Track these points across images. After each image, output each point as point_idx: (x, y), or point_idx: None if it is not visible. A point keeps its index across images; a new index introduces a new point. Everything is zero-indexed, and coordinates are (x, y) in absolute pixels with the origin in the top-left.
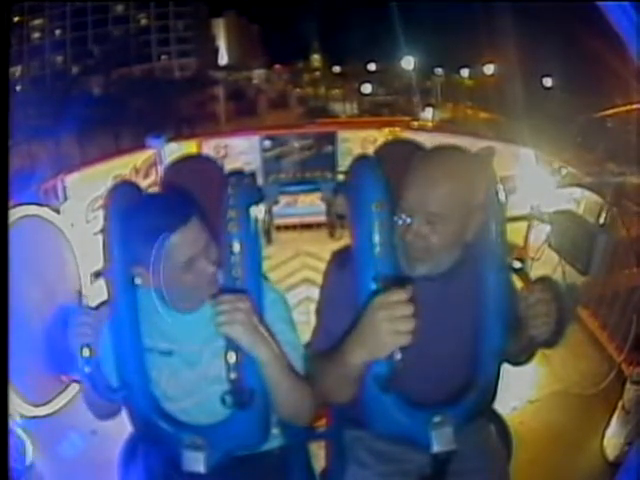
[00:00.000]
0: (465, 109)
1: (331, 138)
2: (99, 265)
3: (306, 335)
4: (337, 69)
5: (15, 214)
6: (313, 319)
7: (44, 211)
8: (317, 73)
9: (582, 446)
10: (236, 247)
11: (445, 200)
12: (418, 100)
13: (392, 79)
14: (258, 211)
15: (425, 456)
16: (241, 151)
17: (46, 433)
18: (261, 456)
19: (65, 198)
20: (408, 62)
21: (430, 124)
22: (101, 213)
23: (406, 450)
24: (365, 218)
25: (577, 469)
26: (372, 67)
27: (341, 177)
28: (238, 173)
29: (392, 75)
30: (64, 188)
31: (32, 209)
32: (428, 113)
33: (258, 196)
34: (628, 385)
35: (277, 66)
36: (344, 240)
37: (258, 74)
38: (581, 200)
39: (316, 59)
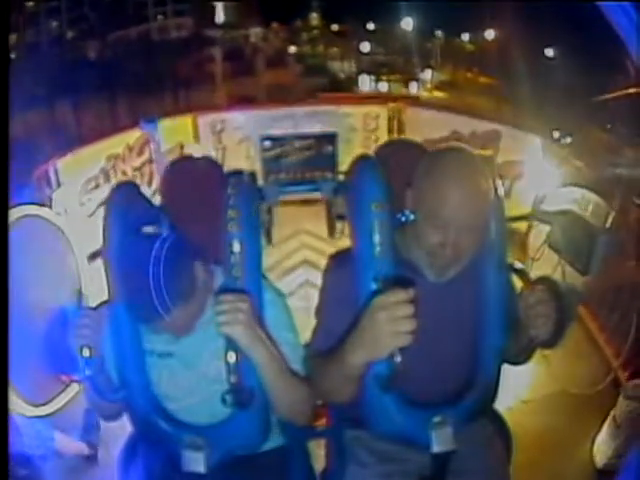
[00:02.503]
0: (465, 72)
1: (331, 138)
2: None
3: (305, 322)
4: (336, 28)
5: (15, 214)
6: (313, 304)
7: (44, 211)
8: (315, 32)
9: (572, 450)
10: (236, 247)
11: (473, 207)
12: (417, 61)
13: (391, 39)
14: (258, 211)
15: (425, 456)
16: (238, 126)
17: (46, 433)
18: (261, 456)
19: (58, 184)
20: (407, 23)
21: (434, 96)
22: (95, 195)
23: (406, 450)
24: (365, 218)
25: (565, 473)
26: (371, 27)
27: (341, 177)
28: (238, 173)
29: (391, 35)
30: (56, 172)
31: (32, 209)
32: (427, 74)
33: (258, 196)
34: (621, 398)
35: (275, 24)
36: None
37: (255, 33)
38: (582, 200)
39: (314, 17)
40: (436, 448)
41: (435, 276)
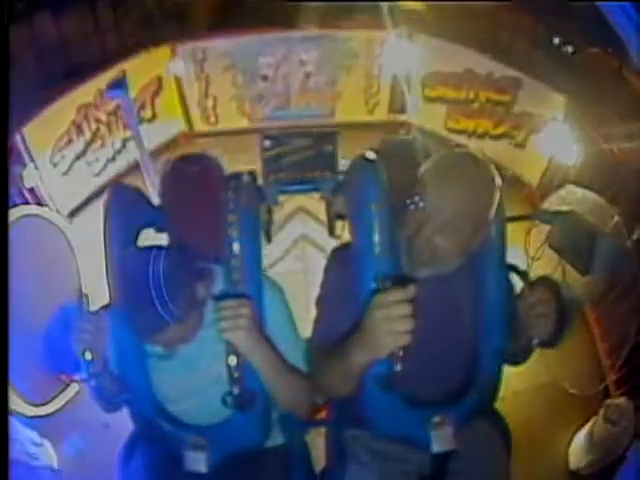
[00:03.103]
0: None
1: (331, 138)
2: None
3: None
4: None
5: (15, 214)
6: (310, 266)
7: (44, 211)
8: None
9: (549, 445)
10: (236, 250)
11: (460, 210)
12: None
13: None
14: (258, 213)
15: (424, 455)
16: (221, 53)
17: (47, 433)
18: (261, 455)
19: (30, 157)
20: None
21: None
22: (68, 151)
23: (405, 449)
24: (365, 218)
25: (539, 467)
26: None
27: (341, 177)
28: (238, 175)
29: None
30: (24, 141)
31: (32, 209)
32: None
33: (258, 197)
34: (601, 419)
35: None
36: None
37: None
38: (583, 200)
39: None
40: (436, 448)
41: (408, 268)
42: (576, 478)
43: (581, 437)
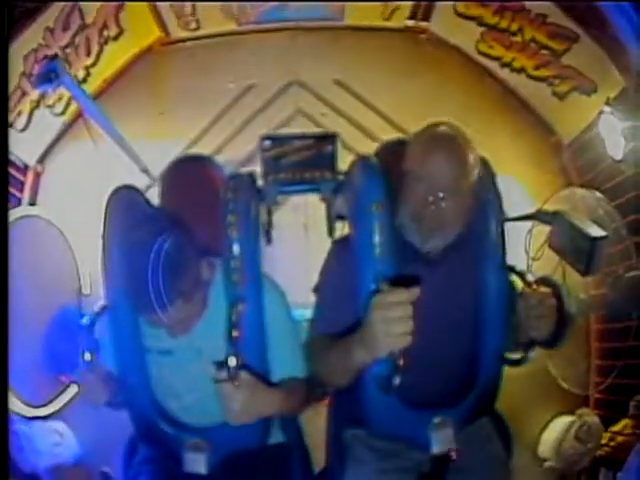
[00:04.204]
0: None
1: (331, 138)
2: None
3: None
4: None
5: (15, 214)
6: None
7: (44, 211)
8: None
9: (525, 425)
10: (236, 251)
11: (452, 173)
12: None
13: None
14: (258, 213)
15: (424, 454)
16: None
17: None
18: (261, 455)
19: None
20: None
21: None
22: (24, 107)
23: (405, 448)
24: (365, 218)
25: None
26: None
27: (341, 177)
28: (237, 176)
29: None
30: None
31: (32, 209)
32: None
33: (258, 198)
34: (571, 436)
35: None
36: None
37: None
38: (583, 200)
39: None
40: (436, 449)
41: (421, 242)
42: (539, 465)
43: (552, 435)
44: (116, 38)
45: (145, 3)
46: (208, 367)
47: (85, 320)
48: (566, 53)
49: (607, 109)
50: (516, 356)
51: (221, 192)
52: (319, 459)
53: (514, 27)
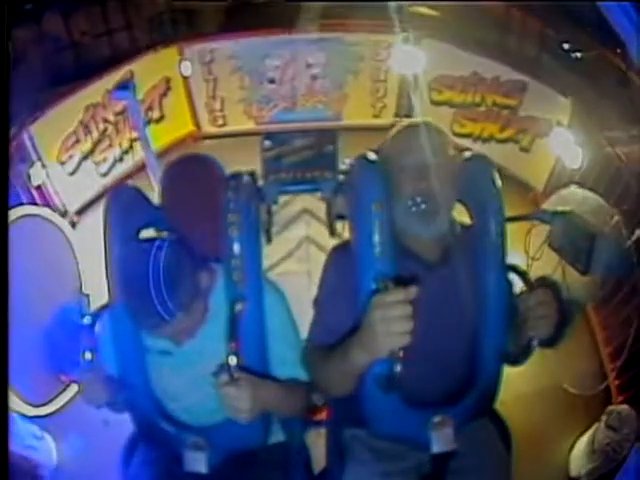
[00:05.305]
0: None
1: (331, 137)
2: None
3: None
4: None
5: (15, 214)
6: (314, 267)
7: (44, 211)
8: None
9: (551, 450)
10: (236, 250)
11: (434, 155)
12: None
13: None
14: (258, 213)
15: (424, 454)
16: (228, 55)
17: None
18: (261, 455)
19: (37, 155)
20: None
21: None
22: (75, 150)
23: (405, 448)
24: (365, 218)
25: (539, 473)
26: None
27: (341, 177)
28: (238, 175)
29: None
30: (32, 139)
31: (32, 209)
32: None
33: (258, 197)
34: (602, 426)
35: None
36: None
37: None
38: (584, 200)
39: None
40: (436, 449)
41: (422, 225)
42: None
43: (582, 444)
44: (158, 121)
45: (184, 95)
46: (209, 367)
47: (85, 319)
48: (521, 105)
49: (559, 129)
50: (516, 356)
51: (221, 191)
52: (319, 459)
53: (477, 99)
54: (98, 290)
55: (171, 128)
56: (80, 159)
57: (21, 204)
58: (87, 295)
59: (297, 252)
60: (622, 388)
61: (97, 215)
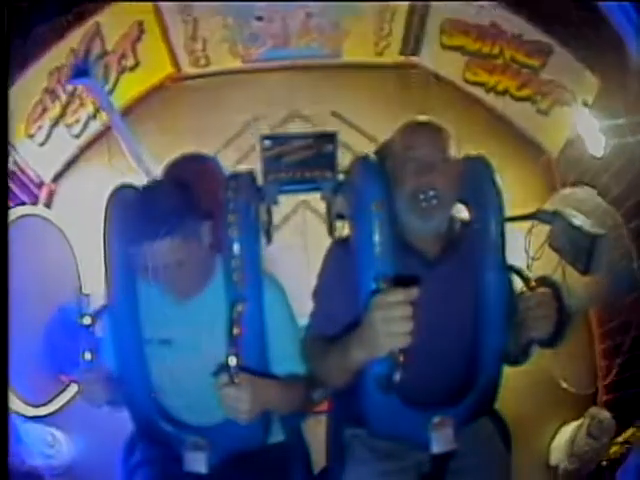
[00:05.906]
0: None
1: (331, 137)
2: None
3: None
4: None
5: (15, 214)
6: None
7: (44, 211)
8: None
9: (533, 436)
10: (236, 250)
11: (434, 151)
12: None
13: None
14: (258, 213)
15: (424, 454)
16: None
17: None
18: (261, 455)
19: None
20: None
21: None
22: (43, 121)
23: (405, 448)
24: (365, 218)
25: (521, 460)
26: None
27: (341, 177)
28: (238, 175)
29: None
30: None
31: (32, 209)
32: None
33: (258, 197)
34: (584, 432)
35: None
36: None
37: None
38: (584, 200)
39: None
40: (436, 449)
41: (422, 223)
42: (554, 474)
43: (563, 439)
44: (132, 69)
45: (161, 38)
46: (207, 363)
47: (85, 319)
48: (544, 68)
49: (584, 110)
50: (516, 356)
51: (221, 191)
52: (319, 459)
53: (495, 51)
54: (98, 290)
55: (148, 74)
56: (50, 127)
57: (21, 204)
58: (87, 295)
59: (293, 217)
60: (610, 388)
61: (75, 179)
